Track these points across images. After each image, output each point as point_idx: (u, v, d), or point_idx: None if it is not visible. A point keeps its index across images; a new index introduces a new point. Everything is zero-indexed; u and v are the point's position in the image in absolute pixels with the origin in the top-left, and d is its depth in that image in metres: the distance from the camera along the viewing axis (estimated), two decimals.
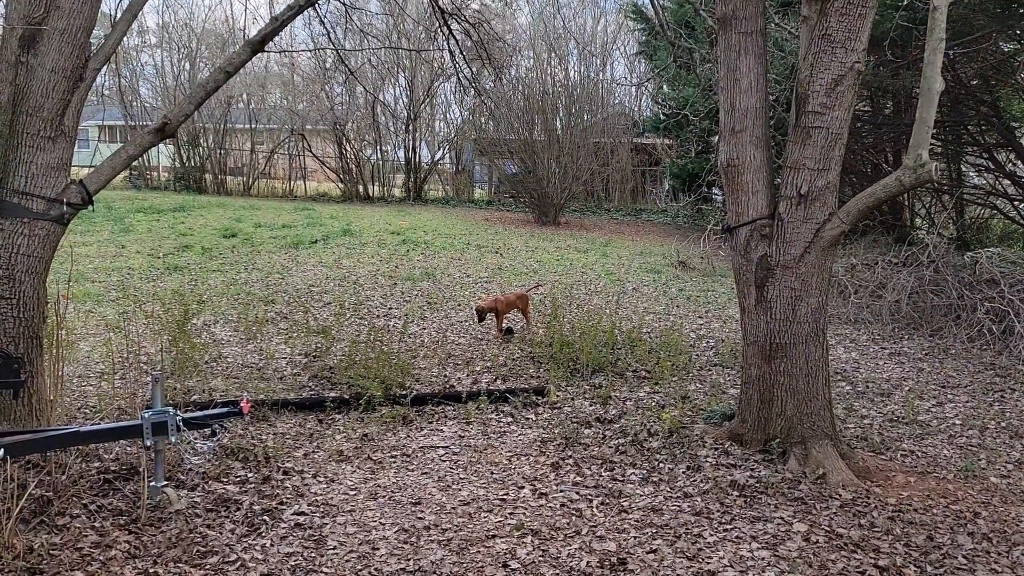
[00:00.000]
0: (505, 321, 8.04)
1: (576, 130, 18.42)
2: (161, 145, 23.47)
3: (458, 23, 7.45)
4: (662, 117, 17.85)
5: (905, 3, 8.68)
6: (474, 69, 8.14)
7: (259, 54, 4.96)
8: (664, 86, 17.24)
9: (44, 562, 3.30)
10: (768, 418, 4.94)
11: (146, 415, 3.76)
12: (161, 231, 14.02)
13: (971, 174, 14.90)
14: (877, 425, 5.74)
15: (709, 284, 11.56)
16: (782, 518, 4.07)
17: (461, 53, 7.86)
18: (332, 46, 8.33)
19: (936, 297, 9.04)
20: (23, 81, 4.15)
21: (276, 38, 4.89)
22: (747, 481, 4.49)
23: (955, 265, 9.25)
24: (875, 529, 3.96)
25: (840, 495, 4.36)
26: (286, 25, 4.72)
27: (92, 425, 4.27)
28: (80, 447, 4.19)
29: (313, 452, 4.91)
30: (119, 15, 4.71)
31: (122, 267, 11.05)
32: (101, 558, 3.38)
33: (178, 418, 3.81)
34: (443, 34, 7.46)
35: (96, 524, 3.66)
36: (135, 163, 19.66)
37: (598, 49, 23.26)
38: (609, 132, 21.16)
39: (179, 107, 4.65)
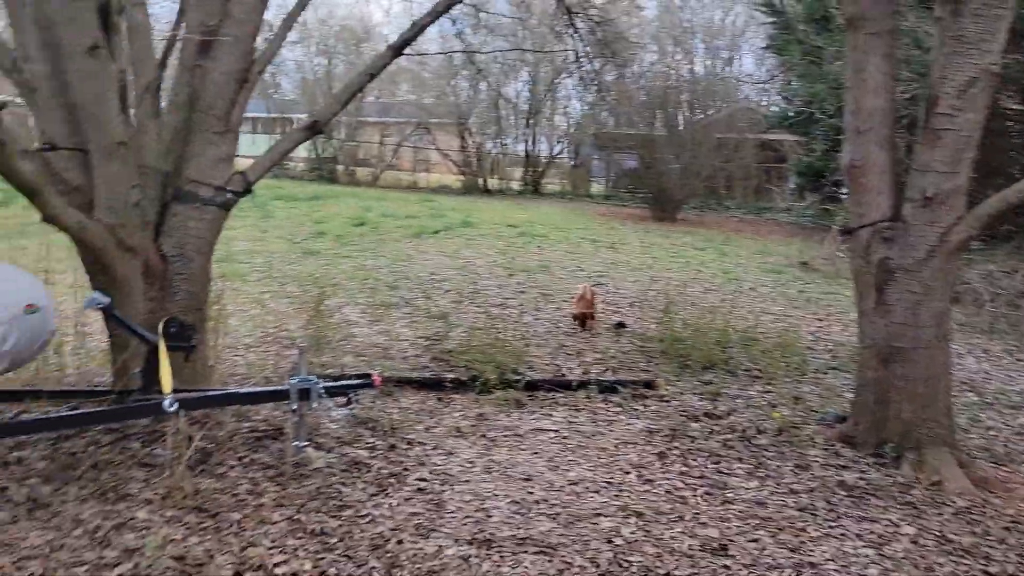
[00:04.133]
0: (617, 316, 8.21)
1: (698, 125, 18.22)
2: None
3: (583, 21, 7.66)
4: (790, 113, 17.35)
5: None
6: (597, 65, 8.31)
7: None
8: (793, 81, 16.76)
9: (207, 503, 3.80)
10: (883, 422, 4.90)
11: (293, 382, 4.22)
12: (298, 218, 15.02)
13: None
14: (1003, 437, 5.55)
15: (833, 286, 11.26)
16: (890, 520, 4.08)
17: (585, 50, 8.05)
18: (462, 46, 8.73)
19: None
20: (198, 83, 4.71)
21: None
22: (856, 482, 4.50)
23: None
24: (988, 537, 3.91)
25: (955, 502, 4.30)
26: (424, 29, 5.09)
27: (246, 388, 4.80)
28: (236, 407, 4.73)
29: (433, 427, 5.29)
30: (277, 22, 5.24)
31: (264, 250, 11.96)
32: (254, 504, 3.85)
33: (320, 386, 4.25)
34: (568, 31, 7.69)
35: (248, 475, 4.16)
36: None
37: (725, 43, 22.82)
38: (733, 127, 20.76)
39: (327, 107, 5.12)
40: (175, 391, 3.99)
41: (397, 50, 5.07)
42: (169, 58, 4.85)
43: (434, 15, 5.08)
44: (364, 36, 26.88)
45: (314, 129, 5.05)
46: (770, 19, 20.09)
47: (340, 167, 23.59)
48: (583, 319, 8.01)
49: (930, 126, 4.59)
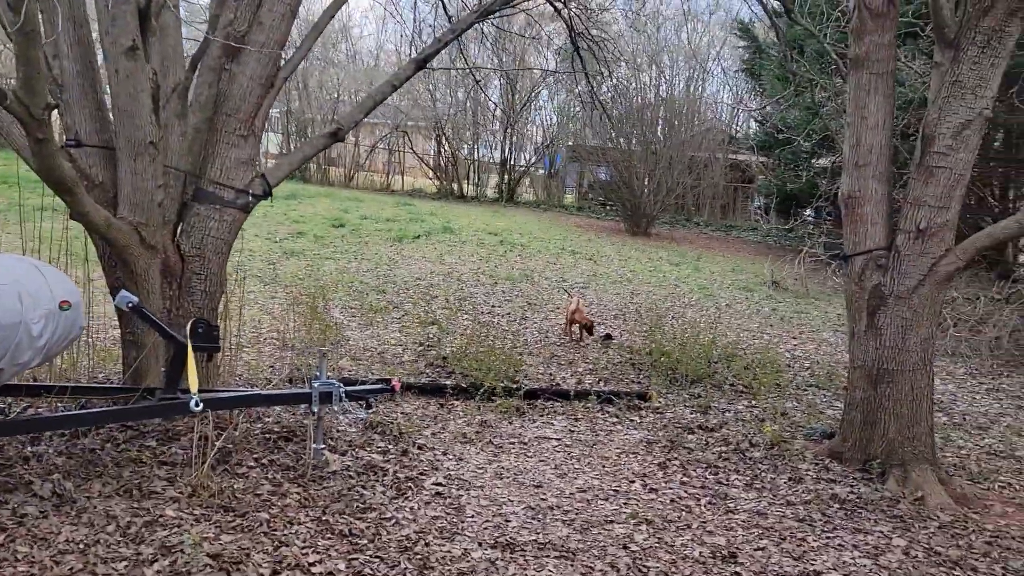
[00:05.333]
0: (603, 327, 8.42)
1: (673, 143, 18.62)
2: (271, 133, 24.47)
3: (584, 41, 7.86)
4: (764, 136, 17.86)
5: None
6: (591, 84, 8.53)
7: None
8: (768, 106, 17.26)
9: (233, 502, 3.87)
10: (870, 439, 5.18)
11: (315, 385, 4.31)
12: (276, 217, 14.92)
13: None
14: (975, 456, 5.87)
15: (802, 306, 11.65)
16: (882, 532, 4.33)
17: (583, 69, 8.25)
18: (466, 64, 8.87)
19: None
20: (224, 86, 4.77)
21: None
22: (847, 496, 4.75)
23: None
24: (973, 550, 4.18)
25: (938, 517, 4.58)
26: (447, 45, 5.23)
27: (269, 391, 4.86)
28: (250, 408, 4.79)
29: (439, 432, 5.41)
30: (302, 34, 5.32)
31: (243, 248, 11.89)
32: (279, 504, 3.93)
33: (341, 390, 4.34)
34: (570, 51, 7.87)
35: (269, 476, 4.23)
36: None
37: (698, 63, 23.34)
38: (705, 146, 21.23)
39: (350, 114, 5.22)
40: (200, 391, 4.05)
41: (420, 64, 5.20)
42: (199, 62, 4.90)
43: (458, 32, 5.22)
44: (340, 35, 26.86)
45: (336, 136, 5.14)
46: (744, 43, 20.68)
47: (313, 166, 23.48)
48: (589, 328, 8.15)
49: (925, 163, 4.89)
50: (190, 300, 4.79)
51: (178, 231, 4.84)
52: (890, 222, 5.17)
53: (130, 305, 3.99)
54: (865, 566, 3.92)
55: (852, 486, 4.92)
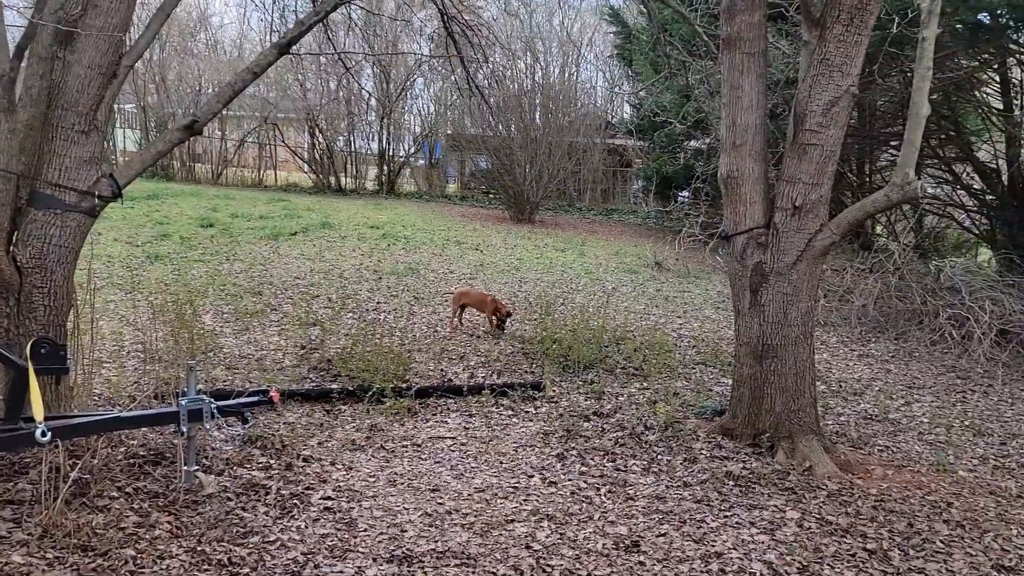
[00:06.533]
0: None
1: (552, 129, 18.71)
2: (128, 130, 22.84)
3: (457, 25, 7.64)
4: (638, 121, 18.23)
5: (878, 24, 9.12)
6: (467, 69, 8.31)
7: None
8: (643, 90, 17.62)
9: (92, 540, 3.45)
10: (758, 414, 5.28)
11: (183, 402, 3.92)
12: (136, 219, 13.90)
13: (930, 185, 15.58)
14: (853, 422, 6.13)
15: (685, 285, 11.96)
16: (776, 506, 4.40)
17: (458, 54, 8.04)
18: (333, 49, 8.44)
19: (901, 302, 9.55)
20: (59, 76, 4.24)
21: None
22: (741, 472, 4.82)
23: (919, 272, 9.77)
24: (861, 517, 4.31)
25: (827, 486, 4.71)
26: (311, 29, 4.89)
27: (130, 411, 4.40)
28: (109, 432, 4.32)
29: (326, 441, 5.10)
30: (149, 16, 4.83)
31: (101, 255, 10.98)
32: (147, 537, 3.54)
33: (213, 406, 3.97)
34: (443, 34, 7.64)
35: (135, 505, 3.81)
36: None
37: (572, 49, 23.58)
38: (583, 132, 21.49)
39: (208, 105, 4.78)
40: (46, 418, 3.59)
41: (283, 49, 4.83)
42: (27, 49, 4.33)
43: (322, 15, 4.88)
44: (199, 24, 25.39)
45: (192, 129, 4.70)
46: (615, 28, 21.02)
47: (176, 162, 22.09)
48: (505, 319, 8.01)
49: (798, 141, 4.99)
50: (32, 317, 4.26)
51: (13, 240, 4.29)
52: (768, 200, 5.26)
53: None
54: (763, 542, 3.95)
55: (744, 462, 5.00)
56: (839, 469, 4.97)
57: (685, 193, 18.50)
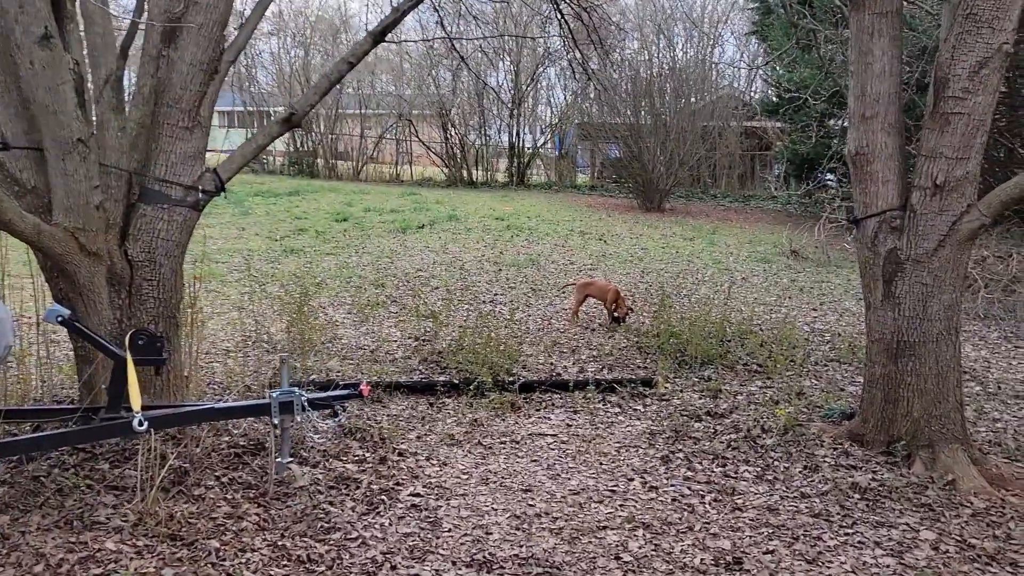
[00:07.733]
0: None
1: (684, 114, 17.99)
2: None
3: (568, 6, 7.38)
4: (775, 100, 17.16)
5: None
6: (582, 52, 8.04)
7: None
8: (779, 68, 16.56)
9: (183, 529, 3.52)
10: (892, 419, 4.70)
11: (274, 395, 3.95)
12: (277, 214, 14.65)
13: None
14: (1012, 430, 5.37)
15: (824, 275, 11.10)
16: (908, 524, 3.87)
17: (571, 36, 7.79)
18: (444, 33, 8.42)
19: None
20: (164, 74, 4.39)
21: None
22: (869, 484, 4.29)
23: None
24: (1012, 541, 3.71)
25: (972, 503, 4.11)
26: (406, 15, 4.81)
27: (224, 402, 4.52)
28: (213, 422, 4.45)
29: (425, 435, 5.03)
30: (248, 11, 4.93)
31: (243, 248, 11.62)
32: (234, 528, 3.58)
33: (303, 399, 3.97)
34: (555, 18, 7.42)
35: (228, 496, 3.88)
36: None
37: (707, 29, 22.59)
38: (718, 115, 20.54)
39: (305, 98, 4.82)
40: (145, 407, 3.71)
41: (377, 37, 4.78)
42: (130, 48, 4.52)
43: (414, 2, 4.79)
44: (341, 26, 26.44)
45: (291, 122, 4.76)
46: (752, 4, 19.91)
47: (320, 160, 23.15)
48: (625, 315, 7.79)
49: (939, 109, 4.37)
50: (143, 309, 4.44)
51: (127, 236, 4.49)
52: (904, 179, 4.66)
53: (60, 319, 3.65)
54: (888, 566, 3.47)
55: (874, 472, 4.46)
56: (989, 484, 4.32)
57: (830, 177, 17.24)
